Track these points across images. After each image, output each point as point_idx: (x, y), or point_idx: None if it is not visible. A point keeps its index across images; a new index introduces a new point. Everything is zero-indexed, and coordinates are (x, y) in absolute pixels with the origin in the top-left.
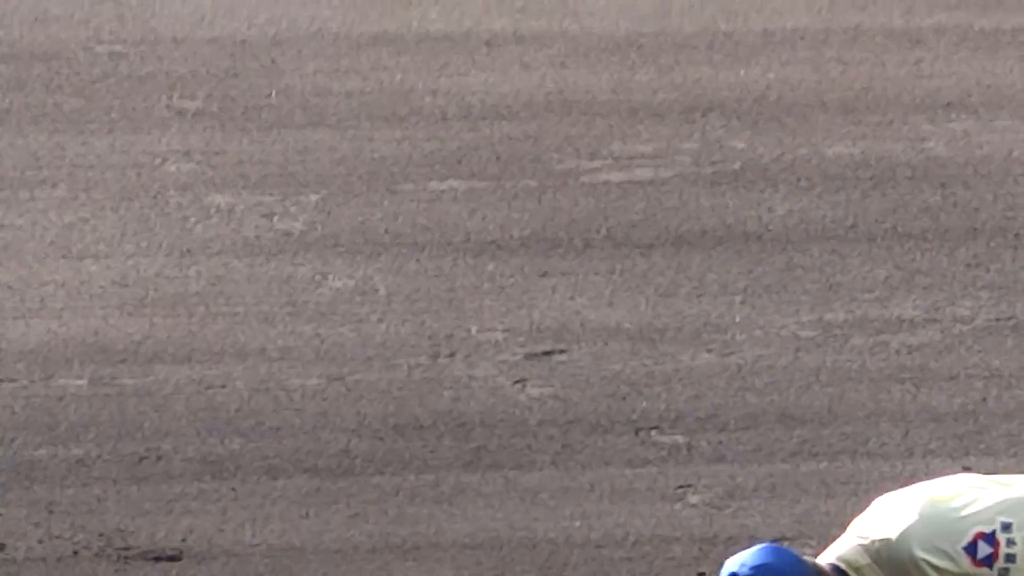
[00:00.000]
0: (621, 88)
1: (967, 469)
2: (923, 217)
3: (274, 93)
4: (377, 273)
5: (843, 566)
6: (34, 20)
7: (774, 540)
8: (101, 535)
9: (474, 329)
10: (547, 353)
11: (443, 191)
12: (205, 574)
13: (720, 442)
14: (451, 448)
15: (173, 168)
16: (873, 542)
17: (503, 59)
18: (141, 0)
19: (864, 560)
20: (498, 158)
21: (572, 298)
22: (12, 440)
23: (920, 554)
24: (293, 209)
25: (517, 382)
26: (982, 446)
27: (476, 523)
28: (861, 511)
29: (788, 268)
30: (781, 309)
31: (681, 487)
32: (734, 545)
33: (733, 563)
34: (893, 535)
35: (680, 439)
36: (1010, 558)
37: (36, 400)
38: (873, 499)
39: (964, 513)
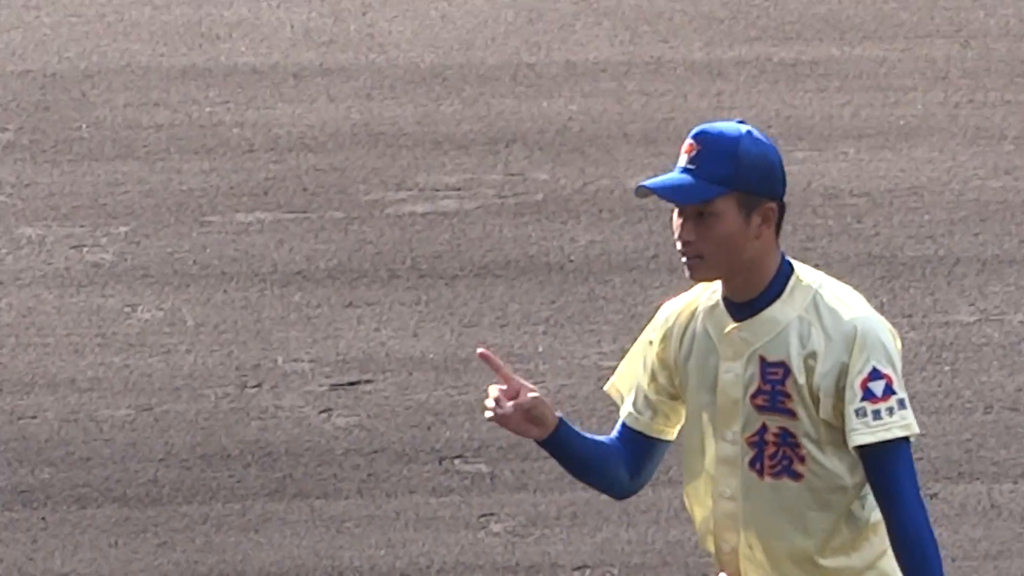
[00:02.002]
0: (426, 120)
1: None
2: None
3: (84, 126)
4: (185, 304)
5: None
6: None
7: (576, 568)
8: None
9: (280, 359)
10: (353, 383)
11: (250, 223)
12: None
13: (523, 471)
14: (257, 477)
15: None
16: None
17: (309, 91)
18: None
19: None
20: (304, 189)
21: (377, 329)
22: None
23: None
24: (103, 240)
25: (323, 412)
26: None
27: (282, 551)
28: (662, 539)
29: (590, 298)
30: (583, 339)
31: (484, 515)
32: (537, 573)
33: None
34: None
35: (483, 468)
36: None
37: None
38: (672, 527)
39: None
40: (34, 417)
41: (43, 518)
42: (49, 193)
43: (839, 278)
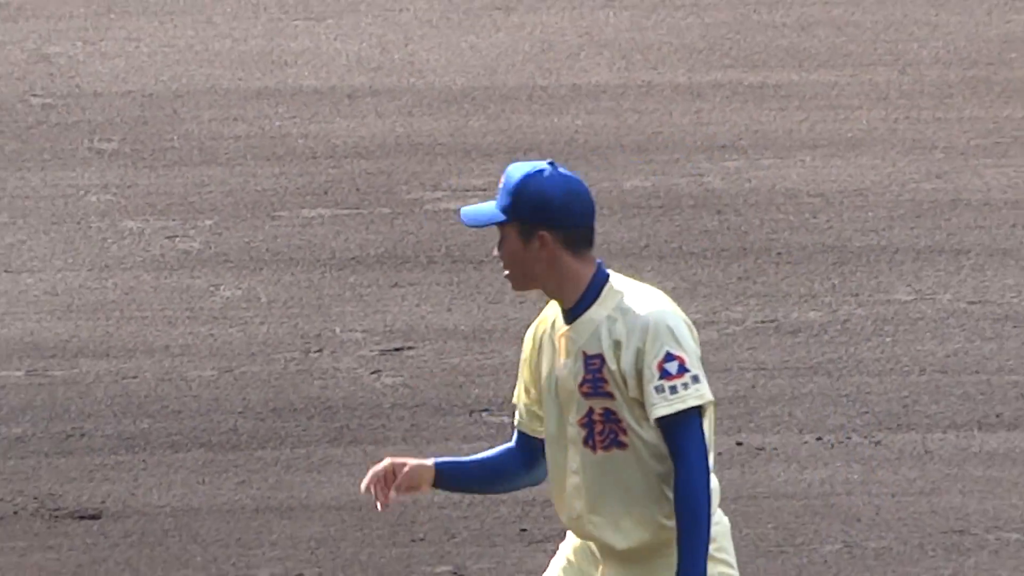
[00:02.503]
0: (457, 132)
1: (739, 444)
2: (703, 238)
3: (176, 137)
4: (260, 284)
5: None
6: None
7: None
8: (36, 498)
9: (338, 329)
10: (398, 349)
11: (312, 217)
12: (120, 530)
13: None
14: (319, 427)
15: (94, 199)
16: None
17: (361, 109)
18: (68, 60)
19: None
20: (357, 190)
21: (418, 304)
22: None
23: None
24: (192, 232)
25: (373, 373)
26: (752, 424)
27: (340, 488)
28: None
29: None
30: None
31: None
32: (550, 506)
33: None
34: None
35: (506, 419)
36: None
37: None
38: None
39: None
40: (135, 377)
41: (143, 461)
42: (147, 192)
43: (799, 264)
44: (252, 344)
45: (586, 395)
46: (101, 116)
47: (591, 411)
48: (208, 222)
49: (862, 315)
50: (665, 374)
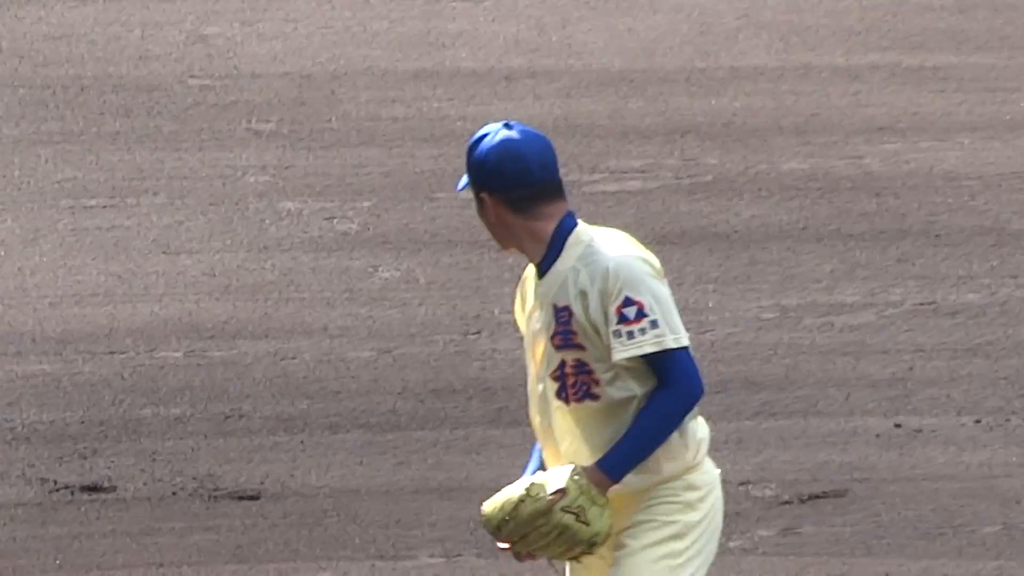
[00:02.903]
0: (615, 114)
1: (897, 426)
2: (861, 221)
3: (334, 118)
4: (418, 265)
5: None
6: (138, 58)
7: (740, 483)
8: (195, 479)
9: (497, 311)
10: None
11: (471, 199)
12: (279, 511)
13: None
14: (478, 408)
15: (252, 179)
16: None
17: (519, 90)
18: (226, 42)
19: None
20: None
21: None
22: (122, 401)
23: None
24: (350, 213)
25: None
26: (909, 407)
27: (499, 469)
28: (811, 460)
29: (752, 262)
30: (746, 296)
31: None
32: None
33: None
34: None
35: None
36: None
37: (141, 369)
38: (820, 451)
39: None
40: (294, 358)
41: (301, 442)
42: (305, 174)
43: (957, 246)
44: (411, 325)
45: (557, 347)
46: (259, 97)
47: (563, 363)
48: (366, 203)
49: (1021, 297)
50: (623, 319)
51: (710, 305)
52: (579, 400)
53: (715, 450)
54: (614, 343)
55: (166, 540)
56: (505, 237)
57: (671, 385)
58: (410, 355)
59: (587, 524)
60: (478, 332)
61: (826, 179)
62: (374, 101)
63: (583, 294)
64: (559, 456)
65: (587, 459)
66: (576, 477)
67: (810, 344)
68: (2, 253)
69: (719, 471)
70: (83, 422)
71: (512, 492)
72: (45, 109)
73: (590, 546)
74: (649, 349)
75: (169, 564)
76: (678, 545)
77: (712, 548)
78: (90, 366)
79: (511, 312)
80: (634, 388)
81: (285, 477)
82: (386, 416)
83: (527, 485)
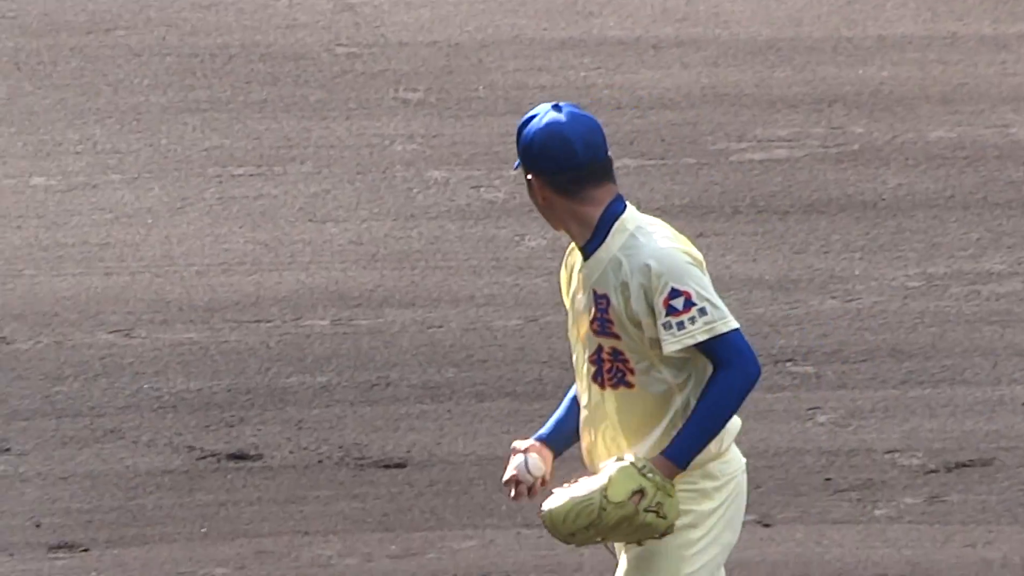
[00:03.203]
0: (762, 83)
1: None
2: (1008, 189)
3: (481, 87)
4: (564, 235)
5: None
6: (285, 27)
7: (887, 452)
8: (341, 447)
9: None
10: None
11: (618, 167)
12: (425, 479)
13: (843, 372)
14: None
15: (399, 148)
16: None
17: (666, 59)
18: (373, 10)
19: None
20: (662, 140)
21: (723, 255)
22: (268, 370)
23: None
24: (496, 182)
25: None
26: None
27: None
28: (958, 429)
29: (898, 231)
30: (892, 264)
31: (811, 409)
32: (854, 456)
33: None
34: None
35: (810, 369)
36: None
37: (288, 337)
38: (966, 419)
39: None
40: (440, 327)
41: (448, 410)
42: (452, 142)
43: None
44: (557, 294)
45: (595, 332)
46: (406, 66)
47: (600, 348)
48: (513, 172)
49: None
50: (671, 310)
51: (856, 273)
52: (614, 386)
53: (862, 418)
54: (664, 335)
55: (312, 508)
56: (553, 219)
57: (727, 367)
58: (557, 323)
59: (665, 518)
60: None
61: (973, 148)
62: (521, 70)
63: (624, 285)
64: (594, 438)
65: (623, 444)
66: (649, 475)
67: (956, 313)
68: (149, 221)
69: (745, 461)
70: (230, 390)
71: (578, 496)
72: (193, 77)
73: (662, 536)
74: (701, 337)
75: (315, 532)
76: (691, 535)
77: (730, 537)
78: (237, 334)
79: None
80: (668, 378)
81: (431, 445)
82: (532, 385)
83: (602, 489)
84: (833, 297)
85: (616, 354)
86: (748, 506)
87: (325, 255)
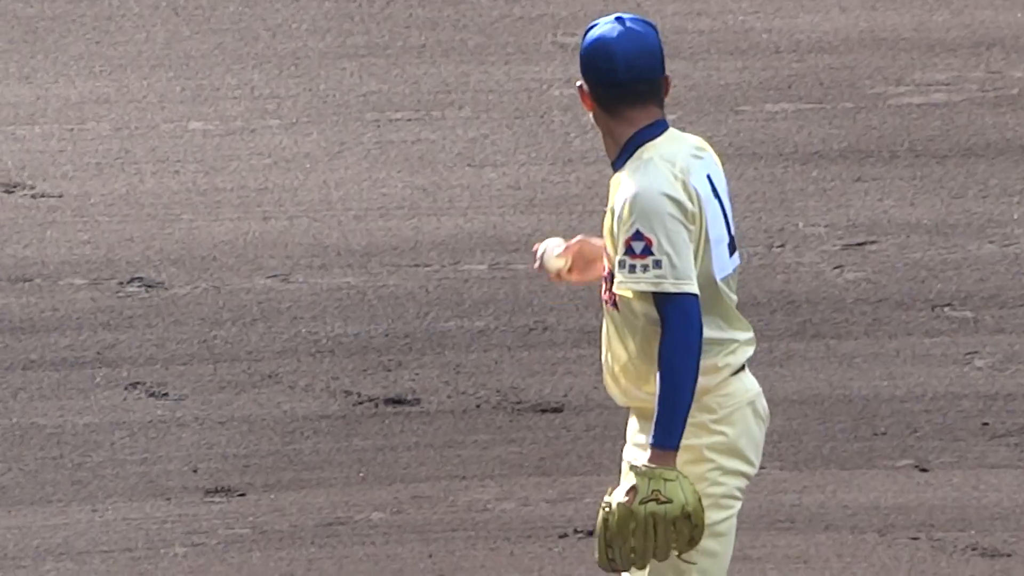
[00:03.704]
0: (921, 27)
1: None
2: None
3: None
4: None
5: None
6: None
7: None
8: (498, 391)
9: (801, 224)
10: (860, 244)
11: (776, 112)
12: (582, 423)
13: (1001, 316)
14: (782, 321)
15: (557, 92)
16: None
17: (825, 3)
18: None
19: None
20: (820, 84)
21: (881, 199)
22: (426, 314)
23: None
24: None
25: (836, 268)
26: None
27: (803, 382)
28: None
29: None
30: None
31: (969, 353)
32: (1012, 400)
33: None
34: None
35: (968, 314)
36: None
37: (446, 282)
38: None
39: None
40: None
41: None
42: None
43: None
44: None
45: (605, 249)
46: (564, 10)
47: (607, 265)
48: (671, 116)
49: None
50: (629, 251)
51: (1015, 217)
52: (613, 305)
53: (1020, 363)
54: (617, 273)
55: (469, 453)
56: (598, 128)
57: (668, 332)
58: None
59: (670, 501)
60: (782, 245)
61: None
62: (680, 14)
63: (612, 210)
64: (603, 355)
65: (615, 369)
66: (640, 468)
67: None
68: (307, 166)
69: (756, 391)
70: (387, 335)
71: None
72: (351, 22)
73: (687, 519)
74: (644, 287)
75: (472, 477)
76: (696, 469)
77: (745, 469)
78: (395, 279)
79: (816, 225)
80: (639, 315)
81: (588, 390)
82: None
83: (602, 506)
84: (991, 241)
85: (612, 274)
86: (905, 450)
87: (483, 200)
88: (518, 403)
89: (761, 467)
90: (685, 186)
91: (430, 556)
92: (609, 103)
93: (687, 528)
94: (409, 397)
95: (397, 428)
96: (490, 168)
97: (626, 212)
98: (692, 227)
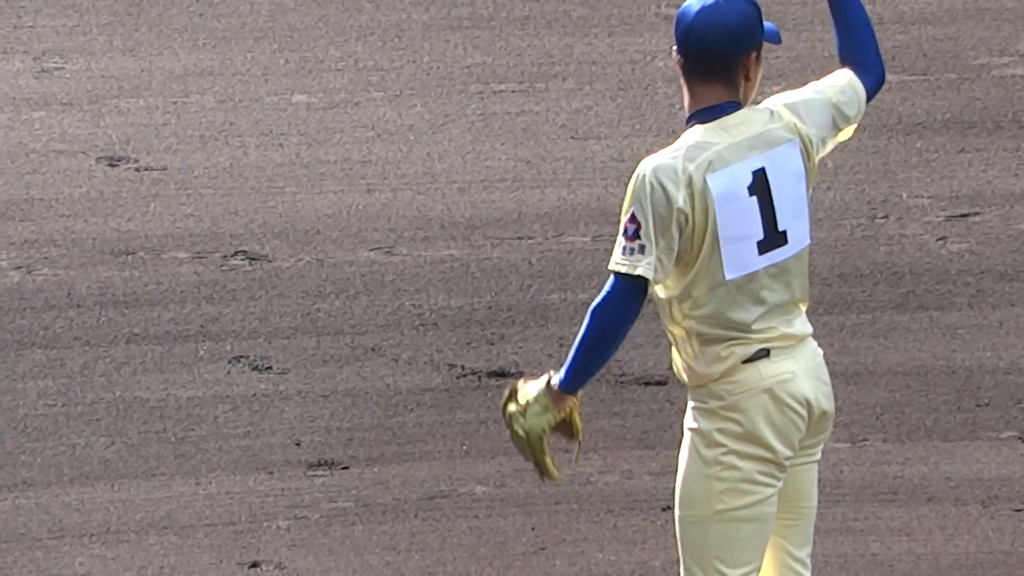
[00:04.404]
0: None
1: None
2: None
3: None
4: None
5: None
6: None
7: None
8: None
9: (904, 195)
10: (964, 215)
11: None
12: (685, 396)
13: None
14: (885, 293)
15: (661, 64)
16: None
17: None
18: None
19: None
20: (924, 55)
21: (985, 170)
22: (529, 287)
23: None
24: (759, 98)
25: (939, 239)
26: None
27: (905, 354)
28: None
29: None
30: None
31: None
32: None
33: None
34: None
35: None
36: None
37: (549, 254)
38: None
39: None
40: None
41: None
42: None
43: None
44: (819, 210)
45: None
46: None
47: None
48: (776, 87)
49: None
50: (623, 229)
51: None
52: None
53: None
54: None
55: None
56: None
57: (604, 295)
58: (817, 240)
59: (514, 431)
60: (886, 216)
61: None
62: None
63: None
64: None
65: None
66: (514, 396)
67: None
68: (411, 138)
69: (772, 380)
70: (490, 307)
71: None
72: None
73: (528, 444)
74: (614, 268)
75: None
76: (705, 452)
77: (765, 454)
78: (498, 251)
79: (919, 196)
80: (661, 286)
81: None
82: None
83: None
84: None
85: None
86: (1009, 422)
87: (587, 172)
88: (621, 375)
89: (864, 439)
90: (690, 182)
91: (532, 529)
92: (683, 73)
93: (529, 452)
94: (512, 370)
95: (500, 401)
96: (593, 140)
97: (630, 192)
98: (675, 226)
